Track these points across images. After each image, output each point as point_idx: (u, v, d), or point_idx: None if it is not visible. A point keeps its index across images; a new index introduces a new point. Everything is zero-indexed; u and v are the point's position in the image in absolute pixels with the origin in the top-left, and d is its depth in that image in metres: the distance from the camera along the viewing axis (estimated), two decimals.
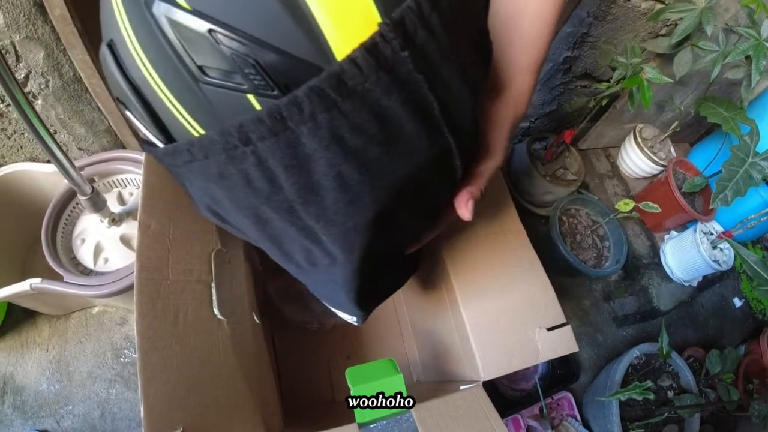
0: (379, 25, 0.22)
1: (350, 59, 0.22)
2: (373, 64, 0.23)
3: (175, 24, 0.23)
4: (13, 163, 0.78)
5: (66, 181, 0.70)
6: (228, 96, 0.24)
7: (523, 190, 1.10)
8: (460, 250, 0.66)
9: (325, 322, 0.81)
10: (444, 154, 0.32)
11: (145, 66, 0.25)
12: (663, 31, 1.00)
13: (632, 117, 1.19)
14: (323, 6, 0.22)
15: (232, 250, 0.60)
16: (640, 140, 1.18)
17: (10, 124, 0.72)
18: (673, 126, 1.14)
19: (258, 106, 0.24)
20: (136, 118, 0.29)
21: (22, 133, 0.73)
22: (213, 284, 0.51)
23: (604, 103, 0.99)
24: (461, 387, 0.62)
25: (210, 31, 0.22)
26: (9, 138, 0.74)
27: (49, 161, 0.78)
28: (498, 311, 0.63)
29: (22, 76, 0.64)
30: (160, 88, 0.25)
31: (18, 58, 0.62)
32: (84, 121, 0.73)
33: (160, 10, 0.23)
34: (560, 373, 0.96)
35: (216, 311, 0.50)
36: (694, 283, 1.17)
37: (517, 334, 0.63)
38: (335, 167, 0.26)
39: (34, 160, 0.78)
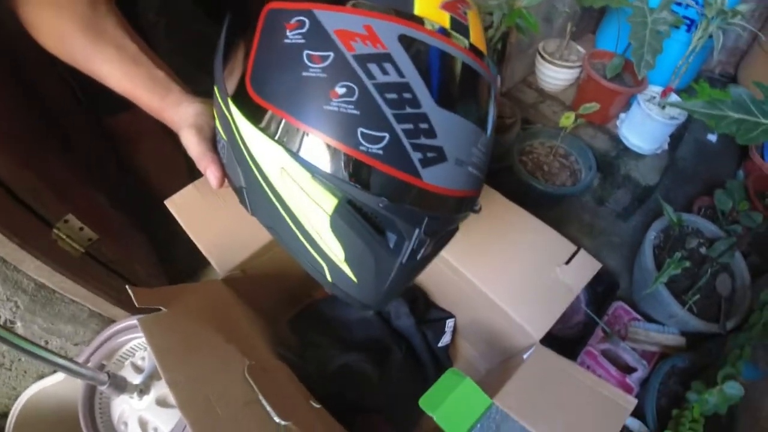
0: None
1: None
2: None
3: None
4: (25, 389, 0.77)
5: (81, 382, 0.70)
6: None
7: None
8: (455, 243, 0.67)
9: None
10: None
11: None
12: None
13: (529, 42, 1.24)
14: None
15: (262, 356, 0.61)
16: (547, 56, 1.22)
17: (4, 357, 0.72)
18: (568, 29, 1.19)
19: None
20: None
21: (20, 359, 0.73)
22: (261, 399, 0.51)
23: (499, 46, 1.03)
24: (524, 356, 0.63)
25: None
26: (10, 369, 0.74)
27: (55, 371, 0.78)
28: (515, 274, 0.65)
29: None
30: None
31: None
32: (66, 318, 0.73)
33: None
34: (601, 290, 0.97)
35: (278, 420, 0.50)
36: (665, 146, 1.21)
37: (543, 283, 0.64)
38: None
39: (42, 377, 0.78)
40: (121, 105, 0.49)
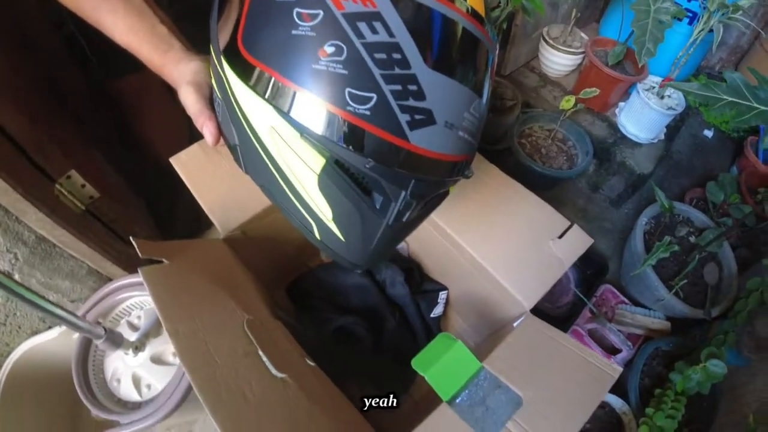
0: None
1: None
2: None
3: None
4: (18, 345, 0.78)
5: (75, 338, 0.71)
6: None
7: None
8: (452, 213, 0.68)
9: None
10: None
11: None
12: None
13: (534, 26, 1.24)
14: None
15: (260, 314, 0.62)
16: (551, 41, 1.23)
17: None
18: (573, 15, 1.20)
19: None
20: None
21: (15, 314, 0.74)
22: (260, 351, 0.52)
23: (504, 26, 1.03)
24: (514, 324, 0.65)
25: None
26: (4, 324, 0.75)
27: (50, 327, 0.78)
28: (510, 245, 0.67)
29: None
30: None
31: None
32: (64, 274, 0.73)
33: None
34: (591, 273, 1.00)
35: (275, 372, 0.52)
36: (662, 136, 1.23)
37: (536, 255, 0.66)
38: None
39: (36, 333, 0.79)
40: (129, 67, 0.49)
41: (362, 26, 0.33)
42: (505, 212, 0.70)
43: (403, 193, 0.38)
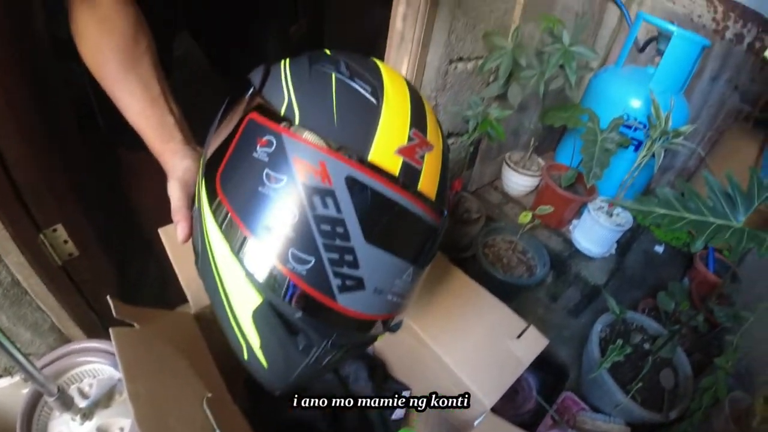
0: None
1: None
2: None
3: None
4: None
5: (24, 393, 0.68)
6: None
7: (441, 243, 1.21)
8: (419, 312, 0.72)
9: None
10: None
11: None
12: (492, 78, 1.22)
13: (498, 150, 1.40)
14: None
15: (218, 393, 0.61)
16: (512, 165, 1.38)
17: None
18: (532, 143, 1.36)
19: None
20: None
21: None
22: (217, 430, 0.52)
23: (471, 149, 1.16)
24: (475, 423, 0.65)
25: None
26: None
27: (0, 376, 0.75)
28: (471, 344, 0.70)
29: None
30: None
31: None
32: (28, 324, 0.72)
33: None
34: (552, 381, 1.01)
35: None
36: (613, 251, 1.34)
37: (496, 354, 0.69)
38: None
39: None
40: (134, 141, 0.54)
41: (316, 199, 0.38)
42: (467, 312, 0.73)
43: (325, 341, 0.43)
